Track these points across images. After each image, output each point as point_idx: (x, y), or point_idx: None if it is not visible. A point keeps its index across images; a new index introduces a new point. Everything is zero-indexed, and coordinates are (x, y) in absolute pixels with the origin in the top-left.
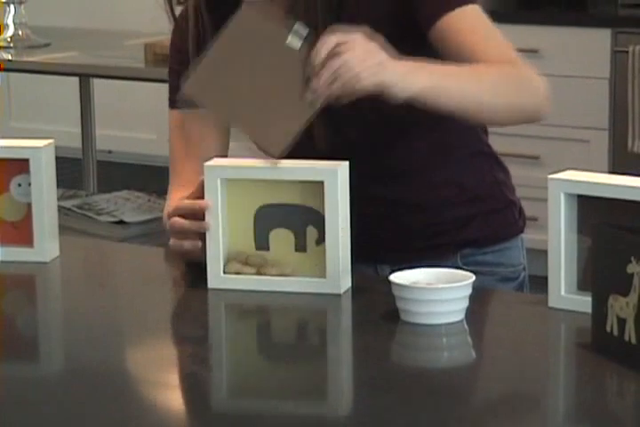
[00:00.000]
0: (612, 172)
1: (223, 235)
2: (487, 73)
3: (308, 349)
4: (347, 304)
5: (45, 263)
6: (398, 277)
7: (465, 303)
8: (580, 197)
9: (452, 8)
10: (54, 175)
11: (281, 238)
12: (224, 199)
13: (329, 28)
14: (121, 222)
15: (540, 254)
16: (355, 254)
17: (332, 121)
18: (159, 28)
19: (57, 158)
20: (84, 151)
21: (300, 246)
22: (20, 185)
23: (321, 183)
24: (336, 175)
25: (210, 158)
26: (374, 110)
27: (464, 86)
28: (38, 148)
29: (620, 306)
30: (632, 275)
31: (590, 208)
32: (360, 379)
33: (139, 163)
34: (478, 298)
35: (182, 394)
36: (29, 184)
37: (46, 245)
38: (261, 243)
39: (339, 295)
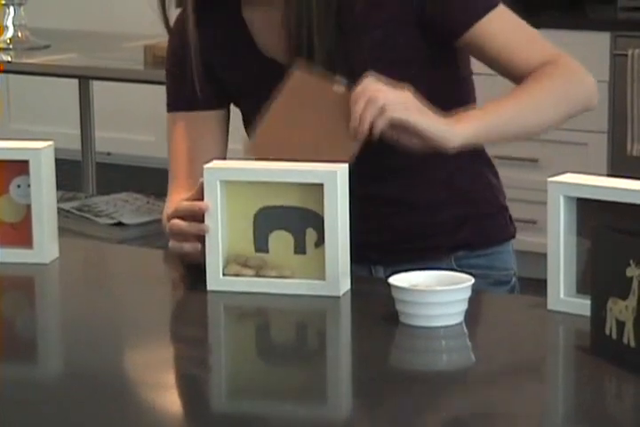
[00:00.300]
0: (611, 175)
1: (222, 237)
2: (530, 94)
3: (306, 351)
4: (346, 306)
5: (45, 265)
6: (397, 280)
7: (464, 306)
8: (579, 199)
9: (483, 14)
10: (54, 177)
11: (280, 241)
12: (223, 201)
13: (365, 75)
14: (120, 224)
15: (538, 257)
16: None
17: None
18: (158, 30)
19: (56, 160)
20: (84, 153)
21: (300, 249)
22: (19, 186)
23: (320, 186)
24: (335, 178)
25: (209, 160)
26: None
27: (511, 119)
28: (38, 149)
29: (619, 309)
30: (631, 278)
31: (589, 211)
32: (359, 381)
33: (138, 165)
34: (477, 301)
35: (181, 396)
36: (29, 185)
37: (46, 247)
38: (261, 245)
39: (338, 298)
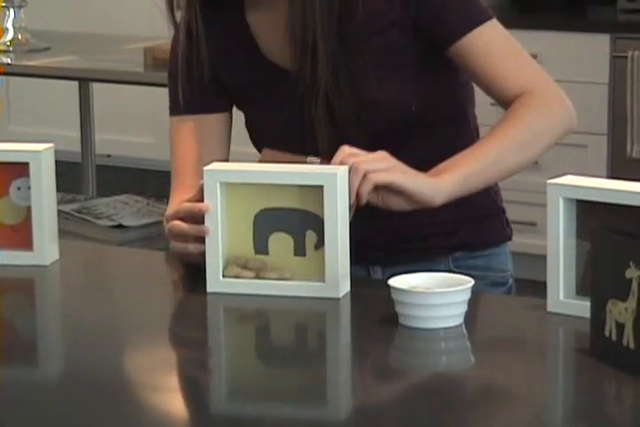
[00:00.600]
0: (611, 177)
1: (222, 239)
2: (507, 135)
3: (306, 353)
4: (345, 308)
5: (45, 267)
6: (397, 282)
7: (464, 308)
8: (578, 201)
9: (474, 26)
10: (54, 179)
11: (280, 242)
12: (223, 203)
13: (339, 146)
14: (120, 226)
15: (538, 259)
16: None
17: (333, 123)
18: (158, 33)
19: (56, 162)
20: (83, 155)
21: (300, 250)
22: (19, 189)
23: (320, 188)
24: (335, 180)
25: (211, 162)
26: (377, 114)
27: (492, 163)
28: (38, 151)
29: (618, 311)
30: (630, 280)
31: (589, 213)
32: (358, 383)
33: (138, 167)
34: (477, 302)
35: (181, 398)
36: (29, 188)
37: (46, 249)
38: (261, 247)
39: (337, 299)
